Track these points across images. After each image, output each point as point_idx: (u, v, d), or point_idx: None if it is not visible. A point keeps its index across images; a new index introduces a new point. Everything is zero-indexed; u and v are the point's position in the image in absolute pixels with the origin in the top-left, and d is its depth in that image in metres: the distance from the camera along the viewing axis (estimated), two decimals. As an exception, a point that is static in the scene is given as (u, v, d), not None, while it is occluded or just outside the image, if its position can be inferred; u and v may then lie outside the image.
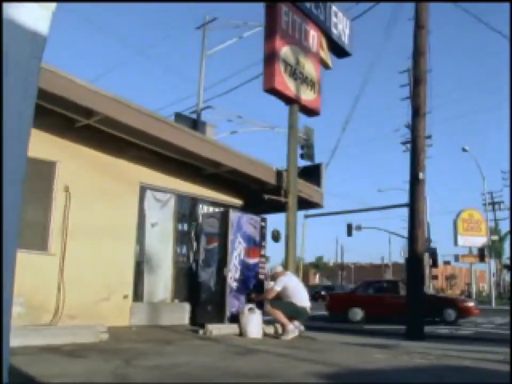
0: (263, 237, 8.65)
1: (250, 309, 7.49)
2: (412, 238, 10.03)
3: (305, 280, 76.33)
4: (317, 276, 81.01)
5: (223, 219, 8.25)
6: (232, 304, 7.97)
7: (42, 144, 6.98)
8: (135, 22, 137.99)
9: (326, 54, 10.40)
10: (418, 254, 9.99)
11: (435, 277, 34.64)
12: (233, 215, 8.24)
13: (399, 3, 12.34)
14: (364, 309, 15.53)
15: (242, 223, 8.30)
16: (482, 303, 34.79)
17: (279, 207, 9.19)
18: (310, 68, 9.68)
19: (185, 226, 9.20)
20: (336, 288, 51.27)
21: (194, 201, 9.30)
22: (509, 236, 39.14)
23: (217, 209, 9.23)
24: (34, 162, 6.89)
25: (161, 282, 8.58)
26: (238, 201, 9.77)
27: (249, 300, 7.94)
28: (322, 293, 44.62)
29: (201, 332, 7.22)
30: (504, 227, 44.78)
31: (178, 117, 13.82)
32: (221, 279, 8.06)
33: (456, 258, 34.78)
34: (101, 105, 6.70)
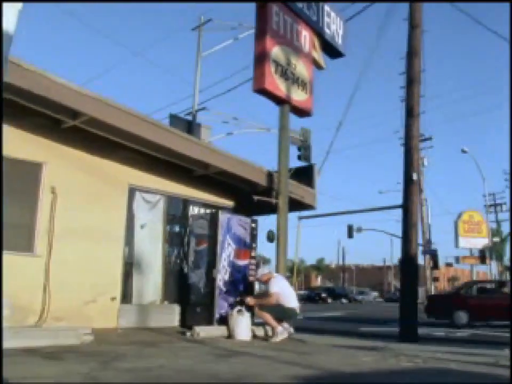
0: (253, 238, 8.58)
1: (239, 311, 7.44)
2: (405, 239, 9.97)
3: (306, 282, 76.52)
4: (319, 278, 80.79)
5: (213, 220, 8.20)
6: (221, 306, 7.91)
7: (29, 146, 6.98)
8: (131, 24, 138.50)
9: (318, 55, 10.35)
10: (411, 255, 9.92)
11: (436, 279, 34.39)
12: (223, 217, 8.18)
13: (393, 3, 12.28)
14: (469, 311, 14.25)
15: (232, 224, 8.24)
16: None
17: (272, 209, 9.13)
18: (301, 68, 9.62)
19: (176, 228, 9.16)
20: (337, 290, 51.22)
21: (184, 202, 9.26)
22: (509, 238, 38.88)
23: (208, 211, 9.18)
24: (20, 163, 6.89)
25: (151, 284, 8.53)
26: (229, 203, 9.72)
27: (241, 304, 7.84)
28: (323, 295, 44.65)
29: (188, 334, 7.18)
30: (506, 229, 44.53)
31: (173, 118, 13.81)
32: (210, 280, 8.00)
33: (457, 260, 34.57)
34: (86, 106, 6.66)
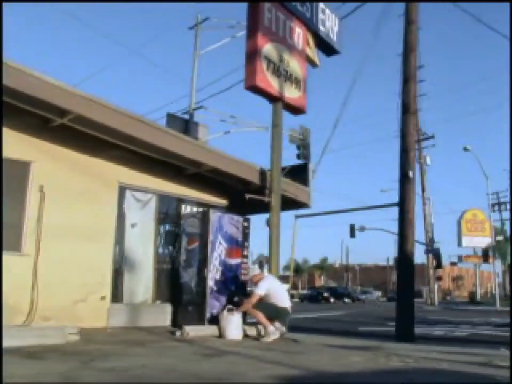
0: (245, 237, 8.49)
1: (229, 310, 7.37)
2: (402, 236, 9.83)
3: (310, 281, 76.33)
4: (322, 278, 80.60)
5: (204, 219, 8.13)
6: (213, 305, 7.84)
7: (16, 144, 6.92)
8: (127, 23, 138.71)
9: (313, 52, 10.24)
10: (408, 253, 9.78)
11: (439, 278, 34.18)
12: (214, 215, 8.11)
13: (389, 3, 12.16)
14: None
15: (223, 223, 8.16)
16: (486, 304, 34.41)
17: (266, 207, 9.04)
18: (295, 65, 9.53)
19: (168, 227, 9.09)
20: (340, 290, 50.93)
21: (177, 201, 9.18)
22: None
23: (201, 209, 9.10)
24: (8, 162, 6.83)
25: (142, 283, 8.47)
26: (222, 201, 9.64)
27: (231, 303, 7.77)
28: (325, 294, 44.40)
29: (178, 333, 7.11)
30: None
31: (170, 117, 13.73)
32: (202, 279, 7.93)
33: (460, 259, 34.35)
34: (73, 103, 6.61)
